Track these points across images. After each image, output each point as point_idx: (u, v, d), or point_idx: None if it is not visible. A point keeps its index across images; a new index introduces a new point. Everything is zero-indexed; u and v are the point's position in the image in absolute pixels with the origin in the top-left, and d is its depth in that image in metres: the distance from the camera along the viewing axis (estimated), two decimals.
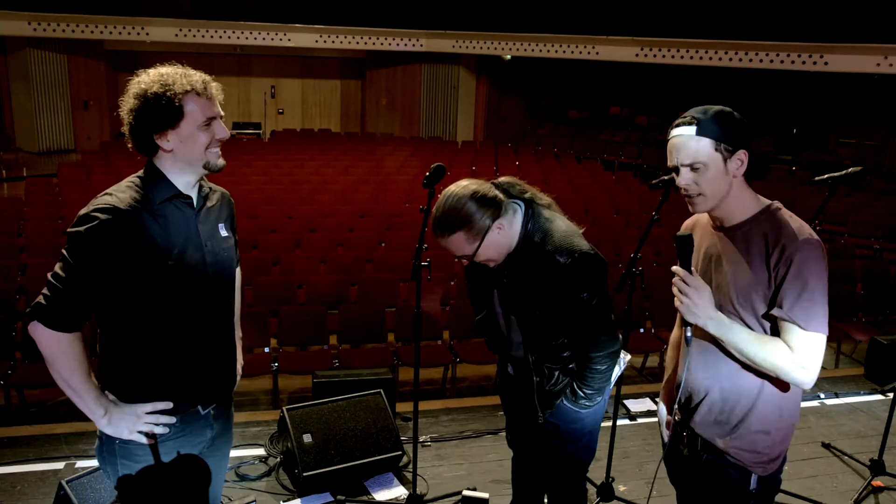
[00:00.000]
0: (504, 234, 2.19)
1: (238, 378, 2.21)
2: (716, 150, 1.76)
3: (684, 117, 1.81)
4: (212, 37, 14.24)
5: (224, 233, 2.05)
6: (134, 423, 1.88)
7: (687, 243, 1.75)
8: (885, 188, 11.22)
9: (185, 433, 1.98)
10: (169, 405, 1.92)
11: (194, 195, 1.97)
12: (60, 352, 1.79)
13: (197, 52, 15.41)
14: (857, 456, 3.90)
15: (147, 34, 13.92)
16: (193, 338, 1.95)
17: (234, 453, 3.79)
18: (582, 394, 2.33)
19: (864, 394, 4.87)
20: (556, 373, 2.35)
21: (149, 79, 1.87)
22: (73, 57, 14.23)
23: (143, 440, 1.90)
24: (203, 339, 1.98)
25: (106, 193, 1.85)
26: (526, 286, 2.23)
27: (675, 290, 1.79)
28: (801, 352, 1.70)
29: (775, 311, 1.73)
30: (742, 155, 1.77)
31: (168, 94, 1.82)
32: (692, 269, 1.78)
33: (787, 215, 1.80)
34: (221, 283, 2.02)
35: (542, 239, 2.19)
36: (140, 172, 1.93)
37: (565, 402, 2.39)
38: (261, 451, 3.84)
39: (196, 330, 1.95)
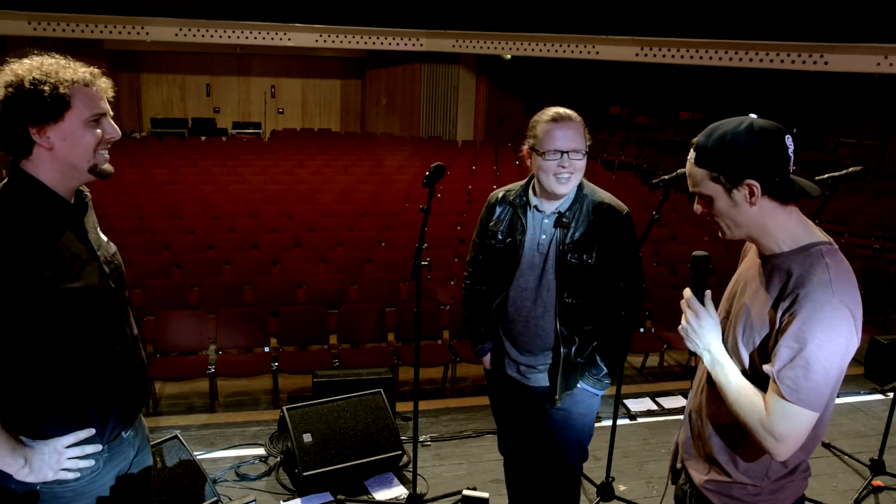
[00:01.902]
0: (585, 162, 2.39)
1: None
2: (713, 181, 1.57)
3: (695, 139, 1.62)
4: (212, 36, 14.23)
5: (104, 237, 1.85)
6: (57, 461, 1.66)
7: (700, 264, 1.63)
8: (885, 188, 11.22)
9: (112, 459, 1.80)
10: (91, 432, 1.72)
11: (71, 202, 1.73)
12: None
13: (197, 51, 15.44)
14: (857, 456, 3.90)
15: (147, 34, 13.91)
16: (108, 356, 1.75)
17: (234, 453, 3.80)
18: (605, 368, 2.45)
19: (864, 393, 4.87)
20: (587, 339, 2.43)
21: (24, 67, 1.60)
22: (73, 56, 14.17)
23: (70, 476, 1.69)
24: (118, 355, 1.78)
25: None
26: (583, 234, 2.37)
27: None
28: (776, 420, 1.50)
29: (765, 368, 1.54)
30: (750, 185, 1.53)
31: (52, 80, 1.58)
32: (706, 293, 1.65)
33: (831, 262, 1.52)
34: (121, 291, 1.82)
35: (594, 194, 2.43)
36: (5, 182, 1.64)
37: (584, 384, 2.46)
38: (261, 451, 3.84)
39: (111, 347, 1.76)
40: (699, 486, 1.77)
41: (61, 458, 1.68)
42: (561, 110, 2.38)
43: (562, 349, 2.41)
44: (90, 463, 1.73)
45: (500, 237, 2.49)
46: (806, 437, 1.56)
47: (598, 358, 2.45)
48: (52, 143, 1.61)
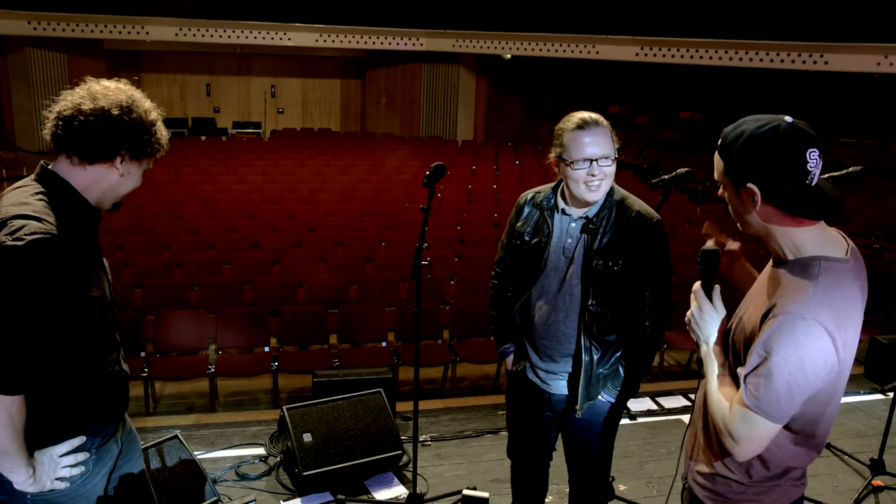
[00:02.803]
0: (615, 167, 2.33)
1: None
2: (726, 174, 1.58)
3: (727, 127, 1.60)
4: (212, 36, 14.23)
5: None
6: (53, 469, 1.70)
7: (708, 259, 1.65)
8: (885, 188, 11.22)
9: (100, 459, 1.84)
10: (82, 440, 1.75)
11: None
12: (6, 416, 1.56)
13: (197, 51, 15.44)
14: (858, 455, 3.90)
15: (147, 33, 13.91)
16: (106, 363, 1.81)
17: (234, 452, 3.80)
18: (631, 377, 2.41)
19: (864, 393, 4.87)
20: (610, 350, 2.39)
21: (149, 104, 1.80)
22: (73, 56, 14.22)
23: (62, 486, 1.73)
24: (112, 363, 1.84)
25: (33, 217, 1.57)
26: (610, 240, 2.33)
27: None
28: (734, 421, 1.54)
29: (739, 370, 1.57)
30: (752, 190, 1.52)
31: (158, 135, 1.79)
32: (715, 287, 1.67)
33: (825, 279, 1.49)
34: (114, 301, 1.90)
35: (624, 200, 2.38)
36: (42, 186, 1.68)
37: (605, 395, 2.43)
38: (261, 451, 3.84)
39: (108, 355, 1.83)
40: (691, 480, 1.80)
41: (57, 466, 1.71)
42: (586, 115, 2.31)
43: (584, 358, 2.36)
44: (82, 469, 1.77)
45: (525, 238, 2.46)
46: (787, 448, 1.59)
47: (621, 369, 2.41)
48: (122, 172, 1.76)
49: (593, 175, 2.26)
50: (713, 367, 1.67)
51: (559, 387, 2.46)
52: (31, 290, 1.52)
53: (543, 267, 2.40)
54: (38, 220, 1.57)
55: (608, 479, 2.68)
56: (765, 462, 1.63)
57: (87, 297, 1.68)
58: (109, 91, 1.73)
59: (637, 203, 2.38)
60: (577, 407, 2.41)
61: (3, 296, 1.50)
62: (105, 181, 1.75)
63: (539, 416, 2.58)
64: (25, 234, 1.52)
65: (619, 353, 2.41)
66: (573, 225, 2.37)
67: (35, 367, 1.59)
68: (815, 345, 1.45)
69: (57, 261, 1.56)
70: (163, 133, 1.81)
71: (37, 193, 1.66)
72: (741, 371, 1.55)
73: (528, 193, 2.56)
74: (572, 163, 2.26)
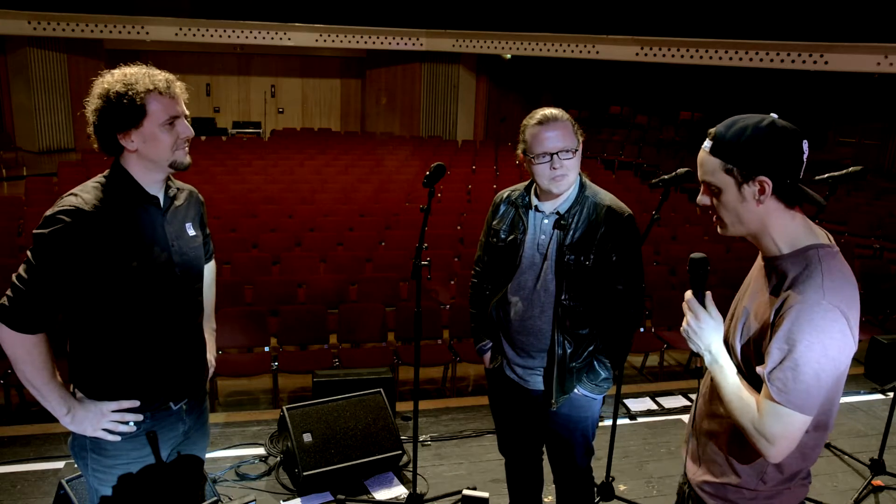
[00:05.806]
0: (579, 160, 2.38)
1: (210, 371, 2.24)
2: (726, 172, 1.55)
3: (711, 129, 1.61)
4: (212, 36, 14.23)
5: (192, 232, 2.06)
6: (98, 420, 1.89)
7: (698, 266, 1.62)
8: (884, 187, 11.23)
9: (156, 428, 1.99)
10: (135, 403, 1.93)
11: (161, 195, 1.96)
12: (24, 352, 1.80)
13: (197, 51, 15.44)
14: (858, 455, 3.90)
15: (147, 33, 13.91)
16: (161, 335, 1.96)
17: (234, 452, 3.80)
18: (604, 372, 2.44)
19: (864, 393, 4.87)
20: (583, 344, 2.41)
21: (112, 79, 1.86)
22: (73, 56, 14.22)
23: (109, 437, 1.91)
24: (171, 337, 1.99)
25: (71, 194, 1.84)
26: (582, 235, 2.36)
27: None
28: (767, 422, 1.50)
29: (758, 369, 1.54)
30: (763, 182, 1.51)
31: (130, 93, 1.82)
32: (706, 294, 1.64)
33: (827, 264, 1.51)
34: (189, 282, 2.03)
35: (596, 196, 2.42)
36: (106, 172, 1.92)
37: (581, 389, 2.44)
38: (261, 451, 3.84)
39: (163, 328, 1.96)
40: (696, 487, 1.77)
41: (103, 419, 1.89)
42: (547, 112, 2.39)
43: (556, 352, 2.40)
44: (130, 428, 1.93)
45: (502, 236, 2.51)
46: (803, 443, 1.55)
47: (595, 363, 2.44)
48: (137, 146, 1.86)
49: (555, 168, 2.33)
50: (725, 373, 1.60)
51: (536, 382, 2.50)
52: (51, 247, 1.76)
53: (519, 264, 2.45)
54: (75, 195, 1.82)
55: (591, 475, 2.69)
56: (779, 466, 1.61)
57: (125, 266, 1.82)
58: (95, 87, 1.88)
59: (608, 198, 2.43)
60: (553, 401, 2.44)
61: (32, 252, 1.77)
62: (140, 157, 1.87)
63: (521, 411, 2.62)
64: (58, 206, 1.79)
65: (591, 347, 2.44)
66: (546, 221, 2.43)
67: (51, 314, 1.81)
68: (835, 328, 1.45)
69: (75, 227, 1.75)
70: (136, 88, 1.82)
71: (102, 177, 1.91)
72: (761, 370, 1.52)
73: (504, 192, 2.61)
74: (534, 157, 2.35)
